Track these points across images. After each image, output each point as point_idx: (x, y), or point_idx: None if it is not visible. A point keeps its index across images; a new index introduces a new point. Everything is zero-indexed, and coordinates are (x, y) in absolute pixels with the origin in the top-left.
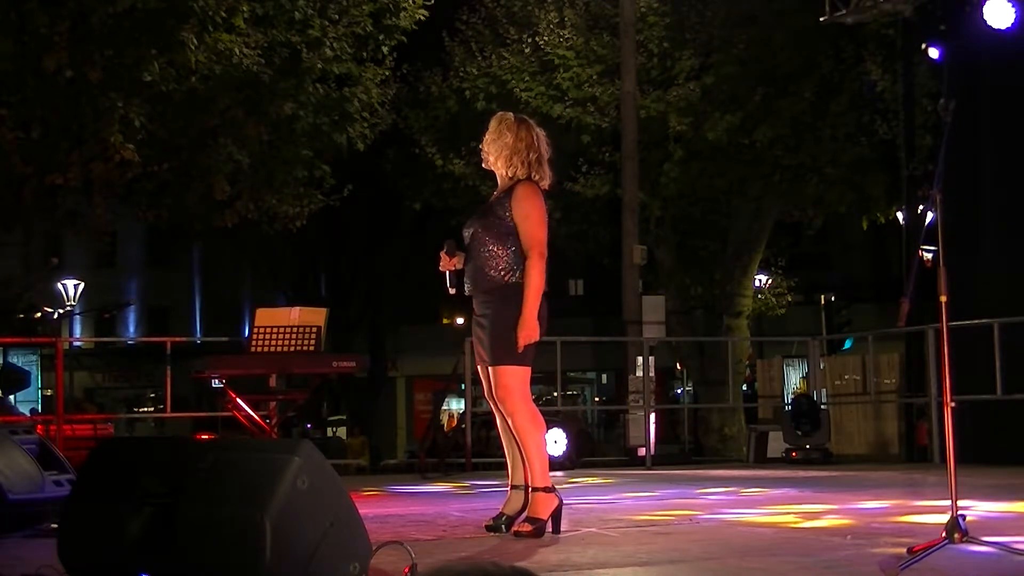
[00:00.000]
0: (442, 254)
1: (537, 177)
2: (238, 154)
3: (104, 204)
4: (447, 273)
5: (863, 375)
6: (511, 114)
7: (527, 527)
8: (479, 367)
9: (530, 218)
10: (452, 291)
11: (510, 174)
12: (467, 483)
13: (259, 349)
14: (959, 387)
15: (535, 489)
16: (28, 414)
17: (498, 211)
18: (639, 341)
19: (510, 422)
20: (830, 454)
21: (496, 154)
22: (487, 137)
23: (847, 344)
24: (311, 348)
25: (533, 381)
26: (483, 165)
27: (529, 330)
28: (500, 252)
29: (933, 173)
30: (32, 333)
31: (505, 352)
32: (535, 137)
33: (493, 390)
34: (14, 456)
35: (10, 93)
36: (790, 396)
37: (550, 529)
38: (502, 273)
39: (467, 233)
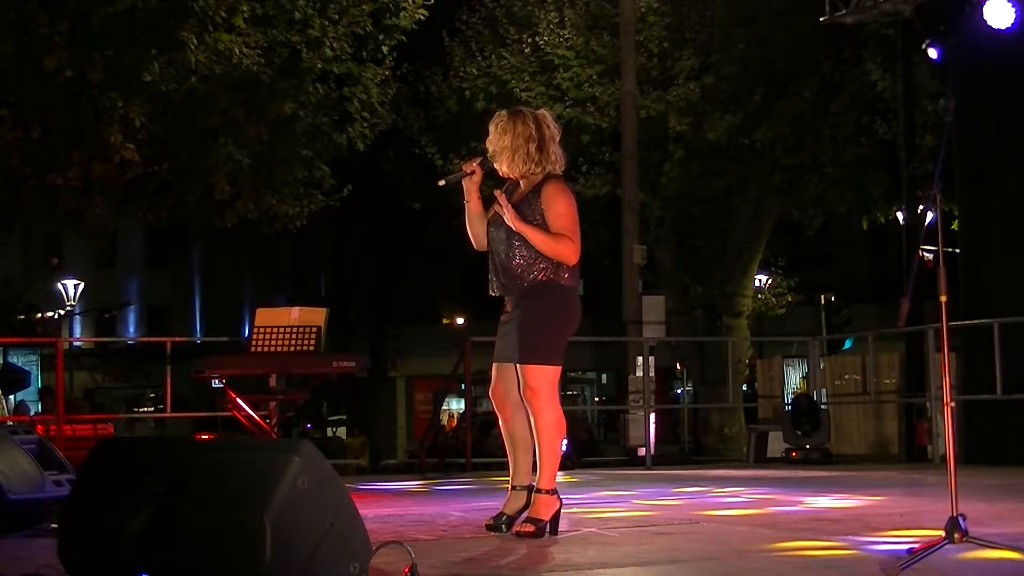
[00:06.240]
0: (476, 164)
1: (552, 168)
2: (238, 154)
3: (104, 204)
4: (455, 172)
5: (863, 375)
6: (504, 112)
7: (529, 527)
8: (494, 365)
9: (565, 216)
10: (441, 183)
11: (518, 172)
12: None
13: (259, 349)
14: (966, 386)
15: (540, 490)
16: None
17: (525, 212)
18: (639, 341)
19: (533, 420)
20: (830, 454)
21: (500, 158)
22: (489, 144)
23: (847, 344)
24: (311, 348)
25: None
26: (498, 171)
27: (512, 215)
28: (530, 253)
29: (933, 173)
30: (32, 333)
31: (534, 350)
32: (531, 126)
33: (520, 388)
34: (14, 456)
35: (10, 93)
36: (790, 396)
37: (548, 531)
38: (534, 274)
39: (493, 233)
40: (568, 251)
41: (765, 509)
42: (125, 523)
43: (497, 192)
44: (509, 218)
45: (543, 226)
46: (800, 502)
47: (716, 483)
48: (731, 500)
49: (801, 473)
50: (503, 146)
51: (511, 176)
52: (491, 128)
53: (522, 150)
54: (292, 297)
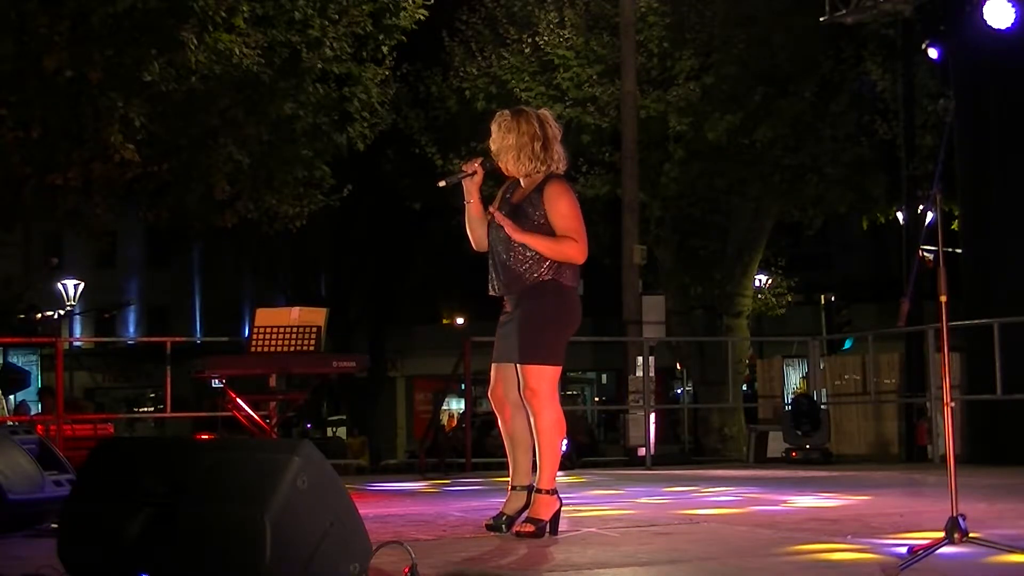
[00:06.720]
0: (478, 164)
1: (555, 167)
2: (238, 154)
3: (104, 204)
4: (456, 173)
5: (863, 375)
6: (507, 112)
7: (529, 527)
8: (493, 365)
9: (568, 216)
10: (441, 183)
11: (523, 172)
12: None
13: (259, 349)
14: (968, 386)
15: (540, 490)
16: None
17: (528, 211)
18: (639, 341)
19: (533, 421)
20: (830, 454)
21: (505, 157)
22: (493, 143)
23: (847, 344)
24: (311, 348)
25: None
26: (502, 170)
27: (511, 227)
28: (531, 253)
29: (933, 173)
30: (32, 333)
31: (534, 350)
32: (536, 125)
33: (520, 388)
34: (14, 456)
35: (10, 93)
36: (790, 396)
37: (548, 531)
38: (536, 275)
39: (493, 234)
40: (573, 252)
41: (765, 509)
42: (125, 523)
43: (492, 209)
44: (508, 230)
45: (546, 225)
46: (799, 502)
47: (715, 483)
48: (730, 500)
49: (801, 473)
50: (508, 145)
51: (515, 175)
52: (494, 127)
53: (527, 148)
54: (292, 297)
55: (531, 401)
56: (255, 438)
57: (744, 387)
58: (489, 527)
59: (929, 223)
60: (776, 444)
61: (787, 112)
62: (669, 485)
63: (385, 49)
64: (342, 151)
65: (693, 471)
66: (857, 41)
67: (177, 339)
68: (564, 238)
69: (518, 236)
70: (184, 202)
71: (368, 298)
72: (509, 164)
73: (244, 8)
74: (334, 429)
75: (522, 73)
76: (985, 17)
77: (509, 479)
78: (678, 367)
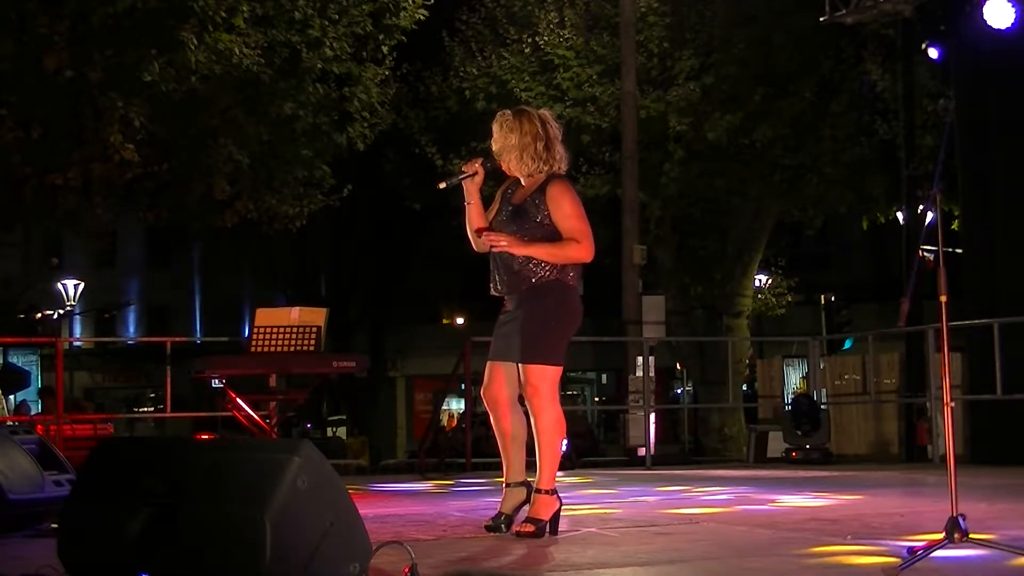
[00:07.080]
0: (478, 165)
1: (557, 167)
2: (238, 154)
3: (104, 204)
4: (456, 174)
5: (863, 375)
6: (508, 112)
7: (529, 527)
8: (489, 363)
9: (572, 216)
10: (442, 185)
11: (526, 172)
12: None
13: (259, 349)
14: (971, 386)
15: (540, 490)
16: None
17: (531, 212)
18: (639, 341)
19: (534, 420)
20: (830, 454)
21: (507, 157)
22: (495, 143)
23: (847, 344)
24: (311, 348)
25: None
26: (504, 170)
27: (511, 243)
28: None
29: (933, 173)
30: (32, 333)
31: (538, 350)
32: (538, 125)
33: (522, 388)
34: (14, 456)
35: (10, 93)
36: (790, 396)
37: (548, 531)
38: (539, 274)
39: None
40: (579, 253)
41: (764, 509)
42: (125, 523)
43: (486, 234)
44: (510, 249)
45: (550, 225)
46: (799, 502)
47: (715, 483)
48: (729, 500)
49: (801, 473)
50: (511, 145)
51: (517, 175)
52: (495, 127)
53: (530, 148)
54: (292, 297)
55: (532, 400)
56: (255, 438)
57: (744, 387)
58: (488, 528)
59: (929, 223)
60: (776, 444)
61: (787, 112)
62: (669, 485)
63: (385, 49)
64: (342, 151)
65: (693, 471)
66: (857, 41)
67: (177, 339)
68: (568, 241)
69: (520, 250)
70: (184, 202)
71: (368, 298)
72: (511, 164)
73: (244, 8)
74: (334, 429)
75: (522, 73)
76: (985, 17)
77: (503, 477)
78: (678, 367)
